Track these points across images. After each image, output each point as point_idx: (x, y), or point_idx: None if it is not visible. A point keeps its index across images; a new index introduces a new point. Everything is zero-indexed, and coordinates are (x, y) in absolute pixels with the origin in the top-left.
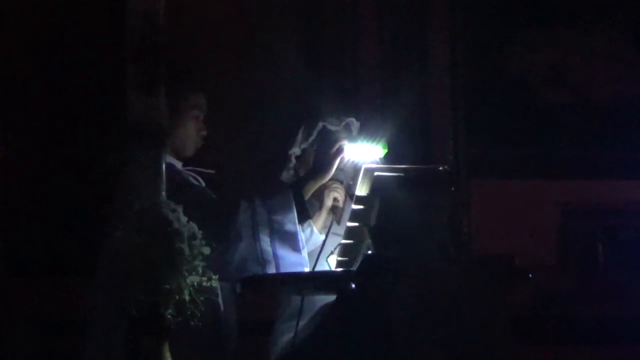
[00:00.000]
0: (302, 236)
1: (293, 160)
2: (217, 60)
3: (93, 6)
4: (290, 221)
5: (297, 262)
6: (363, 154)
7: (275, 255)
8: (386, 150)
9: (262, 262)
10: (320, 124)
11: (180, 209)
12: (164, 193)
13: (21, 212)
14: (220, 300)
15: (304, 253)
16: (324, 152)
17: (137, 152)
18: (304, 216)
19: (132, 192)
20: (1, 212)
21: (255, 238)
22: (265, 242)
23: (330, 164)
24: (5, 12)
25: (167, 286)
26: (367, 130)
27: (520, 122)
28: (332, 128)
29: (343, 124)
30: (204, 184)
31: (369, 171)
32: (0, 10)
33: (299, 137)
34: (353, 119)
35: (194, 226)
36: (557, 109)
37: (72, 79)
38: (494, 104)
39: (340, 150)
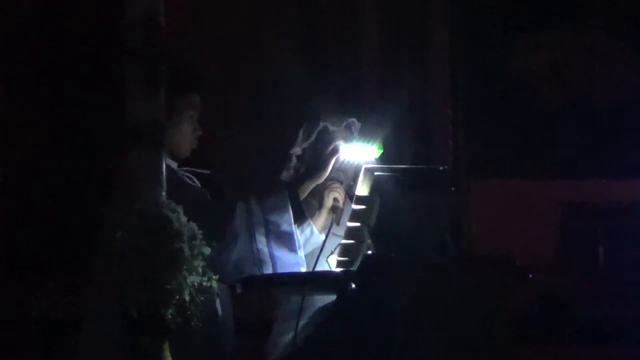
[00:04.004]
0: (298, 236)
1: (294, 160)
2: (216, 60)
3: (93, 6)
4: (286, 221)
5: (294, 262)
6: (359, 154)
7: (271, 255)
8: (382, 151)
9: (259, 262)
10: (322, 124)
11: (180, 209)
12: (164, 193)
13: (21, 213)
14: (218, 300)
15: (301, 253)
16: (320, 152)
17: (137, 152)
18: (300, 216)
19: (132, 192)
20: (1, 213)
21: (252, 239)
22: (262, 242)
23: (326, 164)
24: (5, 12)
25: (167, 286)
26: (367, 130)
27: (520, 122)
28: (333, 128)
29: (344, 124)
30: (199, 185)
31: (369, 171)
32: (0, 11)
33: (300, 136)
34: (354, 120)
35: (194, 226)
36: (557, 109)
37: (72, 79)
38: (494, 104)
39: (335, 150)
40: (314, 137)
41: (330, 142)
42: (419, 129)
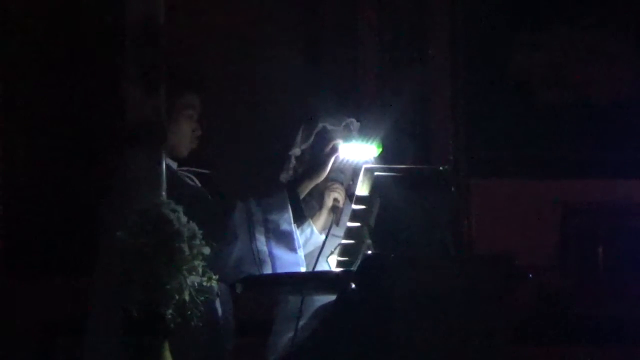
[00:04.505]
0: (297, 235)
1: (293, 161)
2: (216, 59)
3: (93, 6)
4: (286, 221)
5: (294, 261)
6: (357, 153)
7: (271, 255)
8: (380, 150)
9: (258, 262)
10: (320, 125)
11: (180, 209)
12: (164, 193)
13: (21, 213)
14: (218, 300)
15: (300, 252)
16: (319, 151)
17: (137, 152)
18: (300, 216)
19: (132, 192)
20: (1, 213)
21: (251, 238)
22: (261, 242)
23: (325, 163)
24: (5, 12)
25: (167, 286)
26: (367, 130)
27: (520, 122)
28: (332, 128)
29: (343, 124)
30: (199, 185)
31: (369, 171)
32: (0, 10)
33: (299, 137)
34: (353, 120)
35: (194, 226)
36: (557, 109)
37: (72, 78)
38: (494, 104)
39: (334, 149)
40: (312, 137)
41: (329, 141)
42: (419, 129)
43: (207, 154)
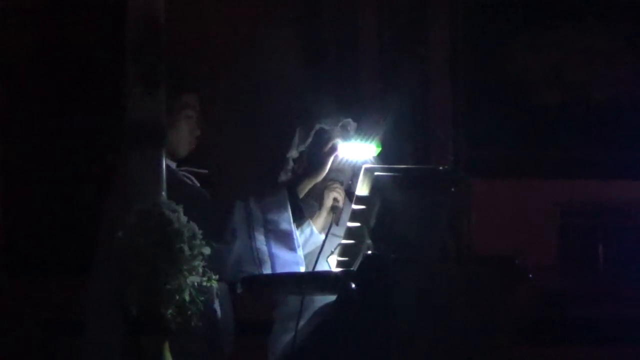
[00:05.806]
0: (297, 235)
1: (291, 163)
2: (216, 60)
3: (93, 6)
4: (285, 220)
5: (293, 261)
6: (357, 152)
7: (270, 254)
8: (379, 149)
9: (258, 261)
10: (317, 126)
11: (180, 209)
12: (164, 193)
13: (21, 212)
14: (217, 300)
15: (300, 252)
16: (318, 151)
17: (137, 152)
18: (299, 215)
19: (132, 192)
20: (2, 212)
21: (251, 238)
22: (261, 241)
23: (324, 163)
24: (5, 12)
25: (168, 286)
26: (366, 130)
27: (520, 122)
28: (329, 129)
29: (339, 124)
30: (198, 185)
31: (368, 171)
32: (0, 10)
33: (296, 139)
34: (350, 120)
35: (194, 226)
36: (557, 109)
37: (72, 78)
38: (494, 104)
39: (333, 149)
40: (310, 139)
41: (328, 140)
42: (418, 129)
43: (207, 154)
